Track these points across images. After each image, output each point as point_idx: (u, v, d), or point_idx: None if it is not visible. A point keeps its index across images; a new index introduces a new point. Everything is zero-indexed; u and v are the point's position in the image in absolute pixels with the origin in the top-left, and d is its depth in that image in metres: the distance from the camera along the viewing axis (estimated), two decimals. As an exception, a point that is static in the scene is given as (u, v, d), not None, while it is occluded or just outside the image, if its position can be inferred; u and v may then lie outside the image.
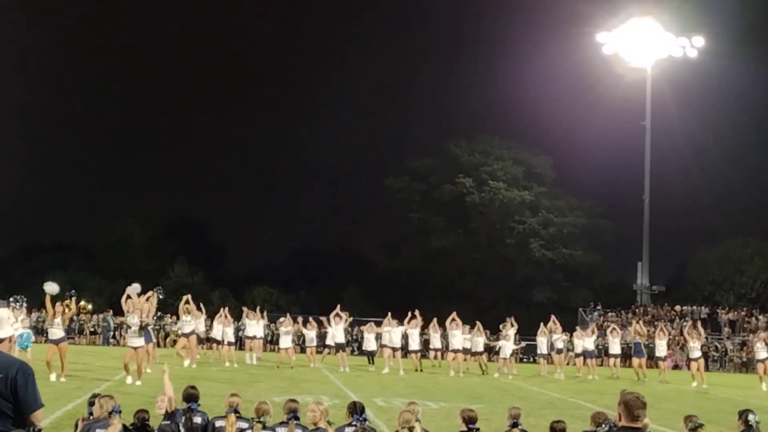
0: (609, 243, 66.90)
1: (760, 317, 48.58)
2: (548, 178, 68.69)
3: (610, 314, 51.06)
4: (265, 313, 32.90)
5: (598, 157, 67.19)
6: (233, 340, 30.40)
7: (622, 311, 52.12)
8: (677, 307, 51.66)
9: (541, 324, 32.81)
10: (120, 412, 8.92)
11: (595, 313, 51.83)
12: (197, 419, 9.81)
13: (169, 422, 9.69)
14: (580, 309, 54.41)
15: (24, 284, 60.22)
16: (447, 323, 30.67)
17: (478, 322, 31.95)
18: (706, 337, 42.61)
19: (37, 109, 71.68)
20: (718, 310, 51.39)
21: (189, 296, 28.82)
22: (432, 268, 68.55)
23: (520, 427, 9.80)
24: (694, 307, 51.65)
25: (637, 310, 52.14)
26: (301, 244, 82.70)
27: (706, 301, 55.54)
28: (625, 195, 63.38)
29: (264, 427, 9.38)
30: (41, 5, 71.15)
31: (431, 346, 33.05)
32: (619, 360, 33.06)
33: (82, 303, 26.01)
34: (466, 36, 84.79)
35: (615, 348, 33.12)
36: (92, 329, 42.86)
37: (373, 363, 31.13)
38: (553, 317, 32.92)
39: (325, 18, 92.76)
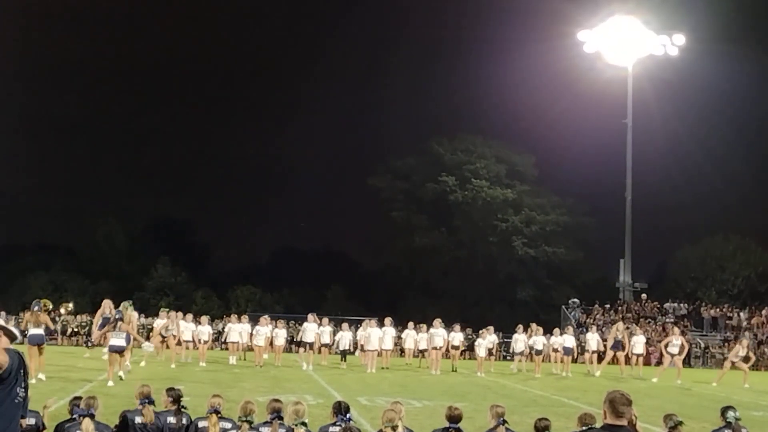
0: (591, 241, 67.06)
1: (741, 314, 48.87)
2: (531, 176, 68.73)
3: (598, 316, 50.85)
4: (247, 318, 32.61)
5: (580, 155, 67.52)
6: (207, 339, 30.19)
7: (603, 307, 52.14)
8: (666, 305, 51.64)
9: (520, 326, 32.88)
10: (93, 415, 8.88)
11: (578, 310, 51.82)
12: (183, 420, 9.83)
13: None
14: (563, 307, 54.48)
15: (6, 285, 60.22)
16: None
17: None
18: (685, 334, 42.77)
19: (18, 109, 71.25)
20: (701, 308, 51.51)
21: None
22: (415, 266, 68.56)
23: (506, 425, 9.80)
24: (676, 304, 51.79)
25: (620, 308, 52.19)
26: (284, 243, 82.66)
27: (688, 298, 55.74)
28: (607, 193, 63.57)
29: (250, 427, 9.39)
30: (23, 6, 70.69)
31: (406, 346, 33.29)
32: (596, 356, 32.97)
33: (67, 305, 25.74)
34: (447, 34, 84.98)
35: (592, 344, 33.08)
36: (75, 330, 42.54)
37: (345, 360, 31.23)
38: (534, 325, 32.91)
39: (306, 16, 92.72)
